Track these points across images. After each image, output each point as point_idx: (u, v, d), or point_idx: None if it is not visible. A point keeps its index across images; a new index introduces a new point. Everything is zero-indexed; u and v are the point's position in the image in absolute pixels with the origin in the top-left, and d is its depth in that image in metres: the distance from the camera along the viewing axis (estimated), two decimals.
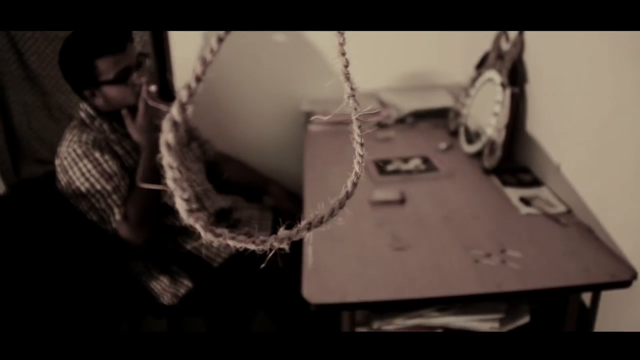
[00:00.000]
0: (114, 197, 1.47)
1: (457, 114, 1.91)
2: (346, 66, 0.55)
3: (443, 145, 1.80)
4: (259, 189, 2.00)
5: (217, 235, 0.46)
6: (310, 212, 0.52)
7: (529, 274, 1.15)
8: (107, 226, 1.48)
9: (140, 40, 2.03)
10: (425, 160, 1.68)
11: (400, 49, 2.17)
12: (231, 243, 0.48)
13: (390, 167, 1.63)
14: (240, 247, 0.47)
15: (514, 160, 1.68)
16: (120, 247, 1.51)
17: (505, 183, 1.53)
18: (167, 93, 2.17)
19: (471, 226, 1.34)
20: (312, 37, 2.15)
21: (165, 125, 0.41)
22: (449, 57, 2.19)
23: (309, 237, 0.50)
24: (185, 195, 0.43)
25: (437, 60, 2.20)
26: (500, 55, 1.71)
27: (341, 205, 0.54)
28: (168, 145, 0.42)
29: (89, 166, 1.48)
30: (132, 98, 1.53)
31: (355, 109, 0.56)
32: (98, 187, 1.47)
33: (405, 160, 1.68)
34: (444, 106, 2.02)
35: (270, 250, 0.49)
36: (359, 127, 0.57)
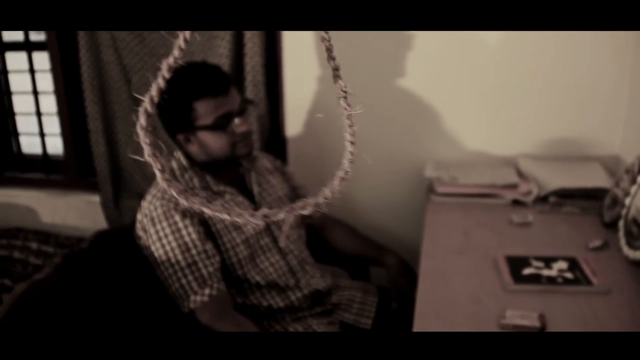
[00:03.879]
0: (190, 278, 1.31)
1: (616, 202, 1.54)
2: None
3: (596, 242, 1.45)
4: (371, 259, 1.70)
5: (192, 203, 0.53)
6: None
7: None
8: (181, 306, 1.33)
9: (252, 80, 1.87)
10: (573, 264, 1.34)
11: (546, 108, 1.83)
12: (206, 211, 0.54)
13: (527, 270, 1.31)
14: None
15: None
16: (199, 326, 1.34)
17: None
18: (279, 140, 1.99)
19: None
20: (441, 89, 1.87)
21: None
22: (606, 122, 1.81)
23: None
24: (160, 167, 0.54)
25: (591, 125, 1.83)
26: None
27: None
28: None
29: (167, 231, 1.34)
30: (230, 148, 1.39)
31: None
32: (172, 260, 1.32)
33: (547, 261, 1.35)
34: (598, 187, 1.66)
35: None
36: None
